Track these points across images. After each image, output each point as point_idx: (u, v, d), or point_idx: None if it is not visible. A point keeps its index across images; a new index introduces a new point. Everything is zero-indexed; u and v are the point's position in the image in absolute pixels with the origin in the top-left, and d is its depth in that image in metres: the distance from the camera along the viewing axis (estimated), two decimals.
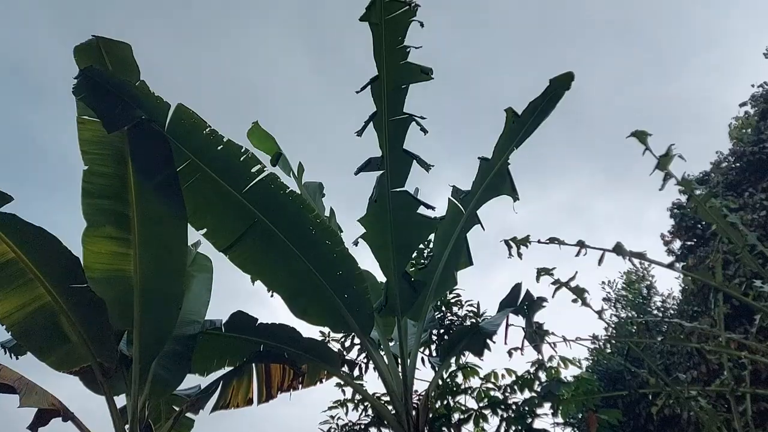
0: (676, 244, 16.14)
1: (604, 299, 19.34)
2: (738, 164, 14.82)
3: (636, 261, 3.54)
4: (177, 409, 6.87)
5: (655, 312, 18.11)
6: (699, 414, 4.40)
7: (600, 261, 3.40)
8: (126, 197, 5.71)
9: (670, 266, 3.59)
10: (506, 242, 3.71)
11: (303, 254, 6.18)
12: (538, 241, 3.61)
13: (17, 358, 6.88)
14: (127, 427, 5.98)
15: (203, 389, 7.03)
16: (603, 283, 19.60)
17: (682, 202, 14.83)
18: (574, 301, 3.79)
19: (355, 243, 6.63)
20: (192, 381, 7.22)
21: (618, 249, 3.36)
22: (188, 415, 7.15)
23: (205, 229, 6.05)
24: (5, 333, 6.16)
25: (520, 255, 3.71)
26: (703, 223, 13.52)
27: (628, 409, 12.78)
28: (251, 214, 5.97)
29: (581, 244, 3.43)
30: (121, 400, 6.28)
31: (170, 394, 6.76)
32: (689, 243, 15.28)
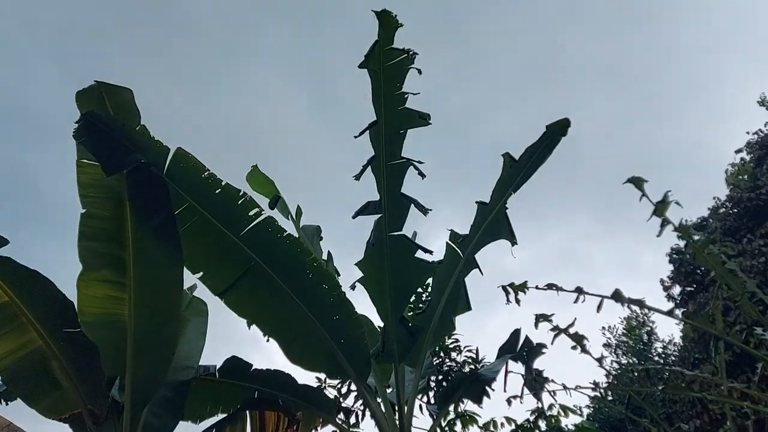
0: (676, 290, 16.10)
1: (604, 345, 19.19)
2: (735, 210, 14.91)
3: (636, 307, 3.50)
4: None
5: (656, 358, 17.93)
6: None
7: (599, 308, 3.36)
8: (123, 240, 5.68)
9: (670, 313, 3.54)
10: (504, 288, 3.67)
11: (300, 298, 6.13)
12: (536, 287, 3.57)
13: (7, 404, 6.73)
14: None
15: None
16: (603, 328, 19.49)
17: (681, 247, 14.86)
18: (574, 347, 3.73)
19: (353, 287, 6.59)
20: (184, 428, 7.07)
21: (617, 296, 3.32)
22: None
23: (201, 273, 6.02)
24: None
25: (518, 301, 3.67)
26: (703, 268, 13.50)
27: None
28: (248, 258, 5.95)
29: (580, 291, 3.39)
30: None
31: None
32: (689, 288, 15.25)
